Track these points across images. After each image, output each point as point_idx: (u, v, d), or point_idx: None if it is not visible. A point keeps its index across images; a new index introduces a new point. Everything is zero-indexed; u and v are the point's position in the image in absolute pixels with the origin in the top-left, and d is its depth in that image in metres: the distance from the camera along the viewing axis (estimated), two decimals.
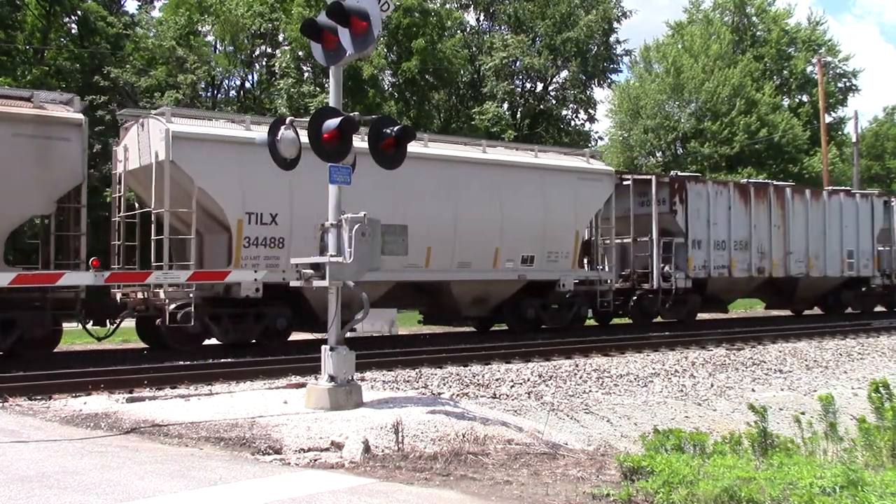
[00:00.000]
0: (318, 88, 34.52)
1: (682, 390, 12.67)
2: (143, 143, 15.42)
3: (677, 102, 52.61)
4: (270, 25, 38.18)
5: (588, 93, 46.24)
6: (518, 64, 44.53)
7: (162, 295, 14.68)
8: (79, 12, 37.13)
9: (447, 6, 43.60)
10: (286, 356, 14.19)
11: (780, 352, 17.00)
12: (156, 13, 40.89)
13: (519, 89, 45.52)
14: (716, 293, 23.74)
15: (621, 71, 70.57)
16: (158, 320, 14.87)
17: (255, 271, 14.73)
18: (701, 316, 24.93)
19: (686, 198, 22.21)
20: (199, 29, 39.87)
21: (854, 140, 47.94)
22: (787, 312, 29.21)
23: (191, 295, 14.39)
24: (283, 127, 8.89)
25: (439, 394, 11.19)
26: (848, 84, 60.79)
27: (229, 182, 15.02)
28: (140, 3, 41.72)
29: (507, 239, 18.50)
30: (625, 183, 22.23)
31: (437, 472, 6.23)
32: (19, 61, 35.86)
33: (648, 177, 22.79)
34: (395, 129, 8.89)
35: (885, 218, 28.29)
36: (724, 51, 53.10)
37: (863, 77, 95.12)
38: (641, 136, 52.87)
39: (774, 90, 54.43)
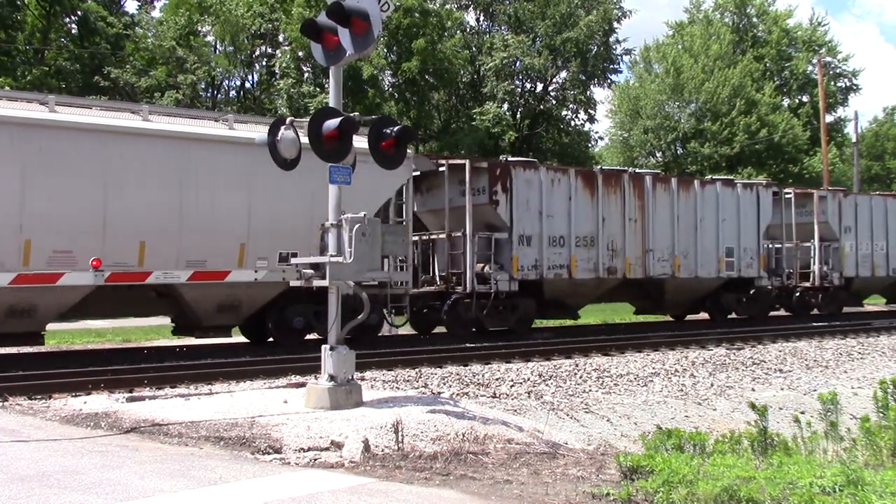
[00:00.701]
0: (318, 88, 34.53)
1: (682, 390, 12.68)
2: None
3: (677, 103, 52.63)
4: (270, 25, 38.21)
5: (588, 93, 46.23)
6: (518, 64, 44.52)
7: None
8: (79, 12, 37.18)
9: (447, 6, 43.58)
10: (286, 356, 14.19)
11: (780, 351, 17.01)
12: (156, 13, 41.01)
13: (519, 89, 45.50)
14: (557, 297, 20.06)
15: (621, 71, 70.70)
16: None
17: None
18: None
19: (511, 186, 18.74)
20: (199, 29, 39.91)
21: (854, 140, 47.98)
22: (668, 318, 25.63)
23: None
24: (282, 127, 8.91)
25: (439, 393, 11.20)
26: (848, 84, 60.87)
27: None
28: (140, 4, 41.79)
29: (258, 233, 15.18)
30: (440, 169, 18.99)
31: (436, 471, 6.23)
32: (19, 61, 35.87)
33: (463, 161, 18.98)
34: (396, 129, 8.91)
35: (775, 212, 24.79)
36: (724, 51, 53.10)
37: (863, 77, 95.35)
38: (641, 136, 52.91)
39: (774, 90, 54.44)
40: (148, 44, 36.97)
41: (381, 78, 37.19)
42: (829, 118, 52.65)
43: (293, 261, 9.51)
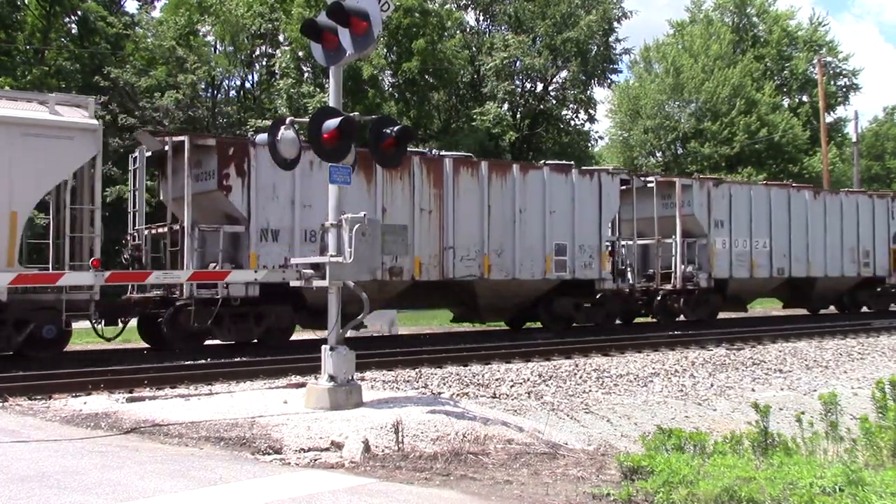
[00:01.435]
0: (317, 89, 34.54)
1: (682, 390, 12.68)
2: None
3: (677, 102, 52.69)
4: (270, 25, 38.24)
5: (588, 93, 46.26)
6: (518, 64, 44.55)
7: None
8: (79, 12, 37.16)
9: (447, 6, 43.60)
10: (286, 356, 14.20)
11: (780, 351, 17.01)
12: (156, 13, 41.01)
13: (519, 89, 45.53)
14: (319, 303, 13.77)
15: (621, 71, 70.76)
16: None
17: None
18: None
19: (249, 169, 15.74)
20: (199, 29, 39.93)
21: (854, 140, 47.98)
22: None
23: None
24: (282, 127, 8.91)
25: (439, 393, 11.19)
26: (848, 83, 60.92)
27: None
28: (140, 4, 41.80)
29: None
30: (165, 148, 16.39)
31: (437, 471, 6.23)
32: (19, 61, 35.88)
33: (182, 138, 16.07)
34: (396, 129, 8.91)
35: (624, 203, 21.33)
36: (724, 51, 53.17)
37: (863, 77, 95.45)
38: (641, 136, 52.97)
39: (774, 90, 54.48)
40: (148, 44, 36.98)
41: (381, 78, 37.22)
42: (829, 118, 52.74)
43: (293, 261, 9.50)
